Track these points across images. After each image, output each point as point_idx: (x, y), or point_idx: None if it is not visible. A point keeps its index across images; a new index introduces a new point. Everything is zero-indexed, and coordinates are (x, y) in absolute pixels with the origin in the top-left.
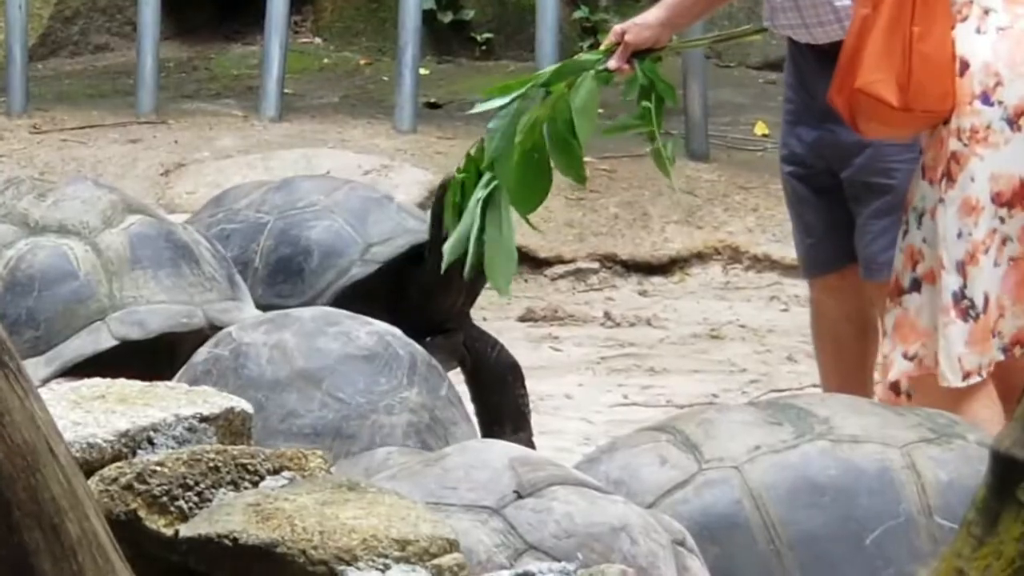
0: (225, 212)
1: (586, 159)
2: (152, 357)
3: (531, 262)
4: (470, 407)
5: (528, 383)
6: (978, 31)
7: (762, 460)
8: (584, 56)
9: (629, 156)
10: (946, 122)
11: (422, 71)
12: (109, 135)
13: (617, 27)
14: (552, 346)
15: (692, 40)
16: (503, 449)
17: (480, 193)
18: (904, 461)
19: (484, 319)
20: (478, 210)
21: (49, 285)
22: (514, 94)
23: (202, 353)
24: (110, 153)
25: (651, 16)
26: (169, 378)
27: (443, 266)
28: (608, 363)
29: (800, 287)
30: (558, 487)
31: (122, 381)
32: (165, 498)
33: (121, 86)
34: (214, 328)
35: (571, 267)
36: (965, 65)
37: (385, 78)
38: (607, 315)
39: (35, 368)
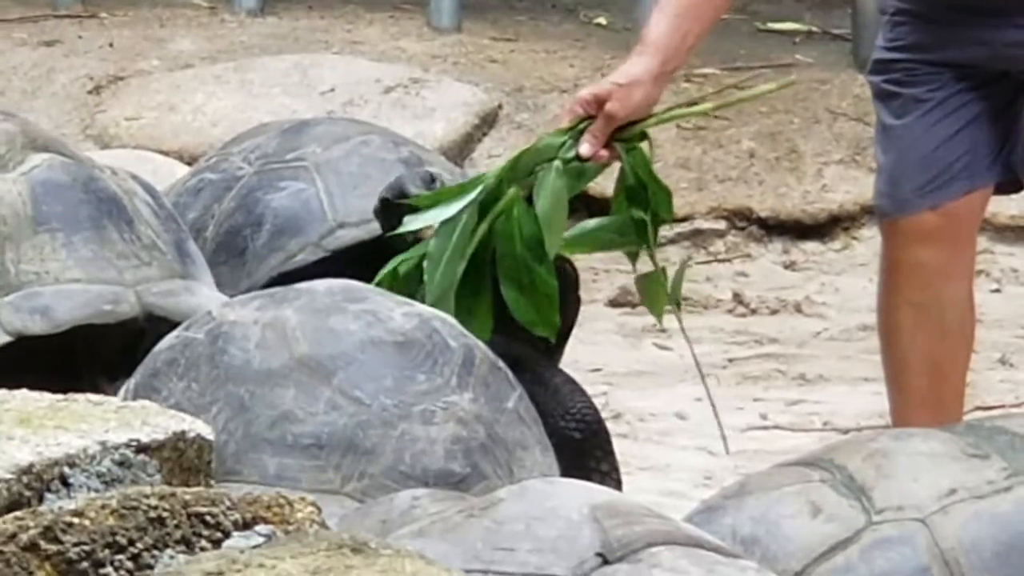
0: (220, 156)
1: (708, 71)
2: (62, 360)
3: None
4: None
5: (623, 396)
6: None
7: (959, 510)
8: (545, 141)
9: (771, 66)
10: None
11: None
12: (14, 34)
13: (585, 92)
14: (658, 343)
15: (687, 104)
16: (581, 493)
17: None
18: None
19: None
20: None
21: None
22: (459, 203)
23: (169, 338)
24: (15, 61)
25: (638, 68)
26: (89, 389)
27: None
28: (739, 367)
29: (1020, 256)
30: (661, 548)
31: (23, 393)
32: (86, 563)
33: None
34: (152, 318)
35: (686, 227)
36: None
37: None
38: (737, 297)
39: None
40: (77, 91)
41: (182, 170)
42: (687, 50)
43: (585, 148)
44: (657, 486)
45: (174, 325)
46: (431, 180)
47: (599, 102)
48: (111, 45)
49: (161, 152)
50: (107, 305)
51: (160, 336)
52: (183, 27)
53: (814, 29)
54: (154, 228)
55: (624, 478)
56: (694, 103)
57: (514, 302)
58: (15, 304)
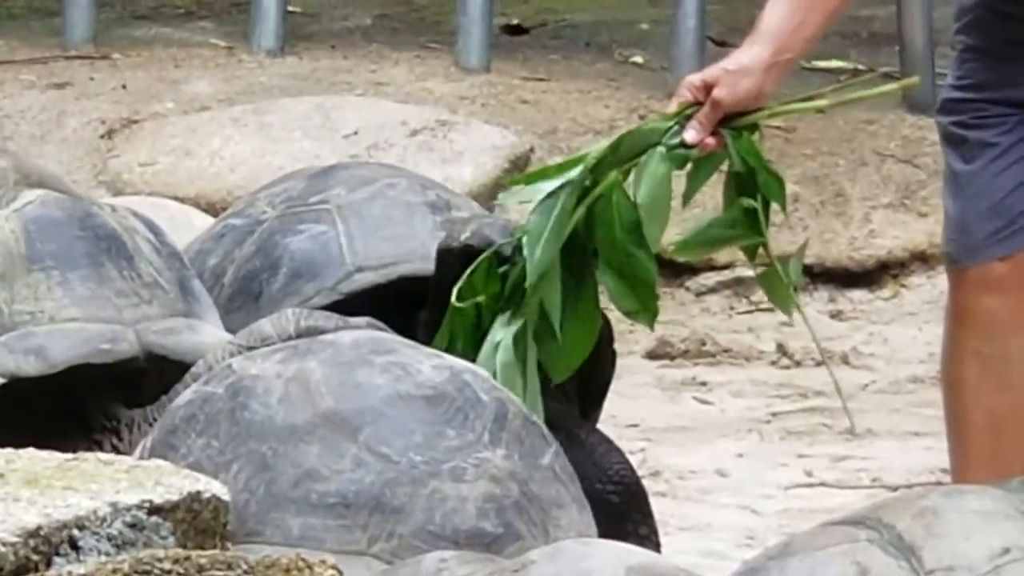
0: (248, 201)
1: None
2: (59, 403)
3: (665, 268)
4: None
5: (662, 453)
6: None
7: (1013, 570)
8: (649, 125)
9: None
10: None
11: None
12: (22, 76)
13: (694, 77)
14: (698, 396)
15: (803, 99)
16: (616, 554)
17: (503, 333)
18: None
19: None
20: (506, 362)
21: None
22: (556, 181)
23: (187, 393)
24: (23, 104)
25: (748, 56)
26: (89, 434)
27: None
28: (782, 422)
29: None
30: None
31: (30, 453)
32: None
33: (42, 2)
34: (153, 358)
35: (727, 276)
36: None
37: None
38: (781, 349)
39: None
40: (89, 135)
41: (199, 217)
42: (805, 40)
43: (691, 134)
44: (697, 546)
45: (176, 364)
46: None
47: (707, 88)
48: (124, 87)
49: (177, 199)
50: (105, 344)
51: (162, 376)
52: (199, 68)
53: (860, 67)
54: (155, 265)
55: (663, 538)
56: (809, 98)
57: (613, 289)
58: (8, 345)
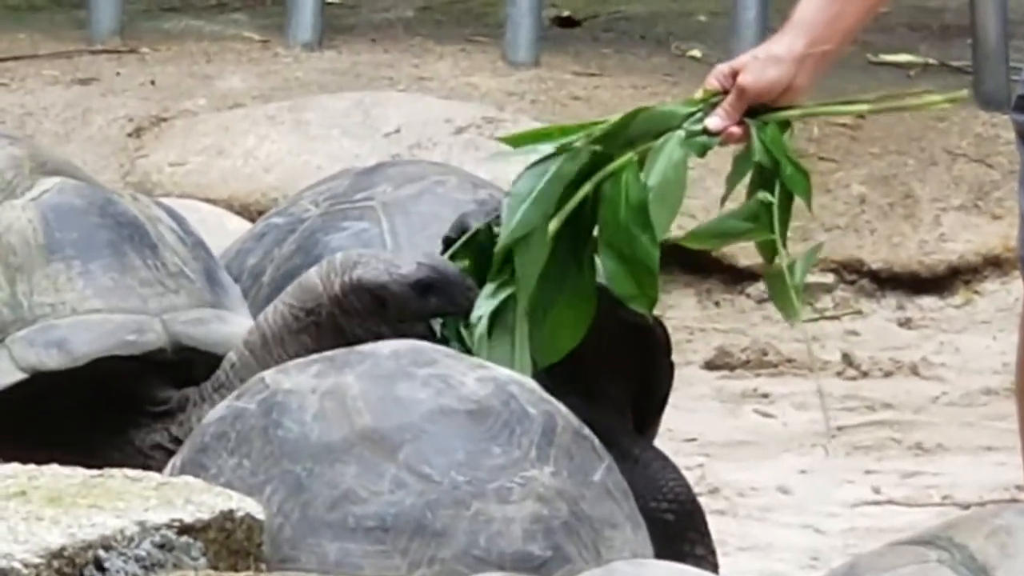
0: (292, 200)
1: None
2: (86, 399)
3: (724, 274)
4: None
5: (721, 468)
6: None
7: None
8: (670, 106)
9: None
10: None
11: None
12: (45, 71)
13: (724, 65)
14: (759, 409)
15: (842, 102)
16: (670, 575)
17: (487, 306)
18: None
19: None
20: (482, 334)
21: None
22: (553, 144)
23: (219, 409)
24: (47, 101)
25: (780, 46)
26: (119, 432)
27: None
28: (849, 436)
29: None
30: None
31: (54, 469)
32: None
33: None
34: (181, 349)
35: None
36: None
37: None
38: (847, 358)
39: None
40: (115, 134)
41: (232, 221)
42: (842, 32)
43: (713, 121)
44: (758, 567)
45: (205, 356)
46: (497, 216)
47: (735, 75)
48: (153, 83)
49: (208, 201)
50: (130, 335)
51: (192, 368)
52: (232, 63)
53: (931, 61)
54: (180, 255)
55: (722, 559)
56: (850, 102)
57: (611, 271)
58: (29, 338)
